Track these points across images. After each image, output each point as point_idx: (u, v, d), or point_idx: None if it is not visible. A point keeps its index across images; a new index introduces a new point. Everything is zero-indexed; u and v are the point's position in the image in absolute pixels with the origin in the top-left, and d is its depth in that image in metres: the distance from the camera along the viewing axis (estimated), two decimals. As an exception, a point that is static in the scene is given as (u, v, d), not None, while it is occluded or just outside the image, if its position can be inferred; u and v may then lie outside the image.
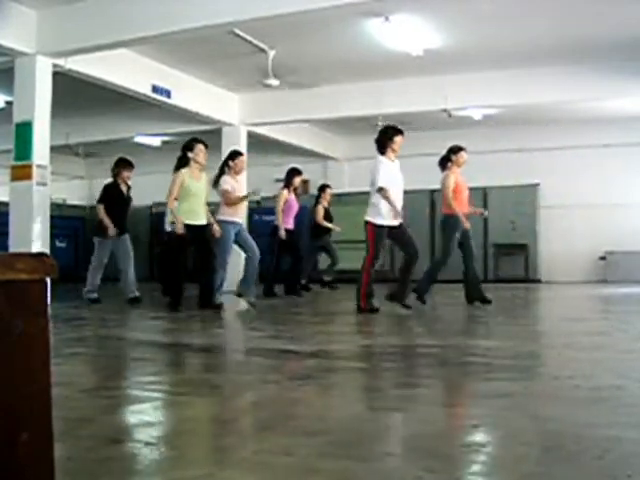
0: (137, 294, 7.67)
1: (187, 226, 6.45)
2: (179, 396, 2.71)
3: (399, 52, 8.35)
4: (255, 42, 8.13)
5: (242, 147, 10.67)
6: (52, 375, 1.14)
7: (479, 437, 2.02)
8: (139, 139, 12.50)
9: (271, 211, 9.47)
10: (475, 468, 1.74)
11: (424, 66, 9.03)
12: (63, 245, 14.01)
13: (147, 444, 1.99)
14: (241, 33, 7.73)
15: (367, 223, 6.17)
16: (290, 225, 8.73)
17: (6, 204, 7.58)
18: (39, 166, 7.14)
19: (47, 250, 7.03)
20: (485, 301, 6.85)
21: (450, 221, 6.84)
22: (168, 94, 9.20)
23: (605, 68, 8.71)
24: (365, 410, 2.46)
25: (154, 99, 9.12)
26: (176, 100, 9.40)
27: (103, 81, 8.22)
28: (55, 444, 1.14)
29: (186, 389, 2.89)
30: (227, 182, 7.08)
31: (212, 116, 10.35)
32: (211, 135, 10.86)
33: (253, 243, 7.05)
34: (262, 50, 8.39)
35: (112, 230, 7.50)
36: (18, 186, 7.19)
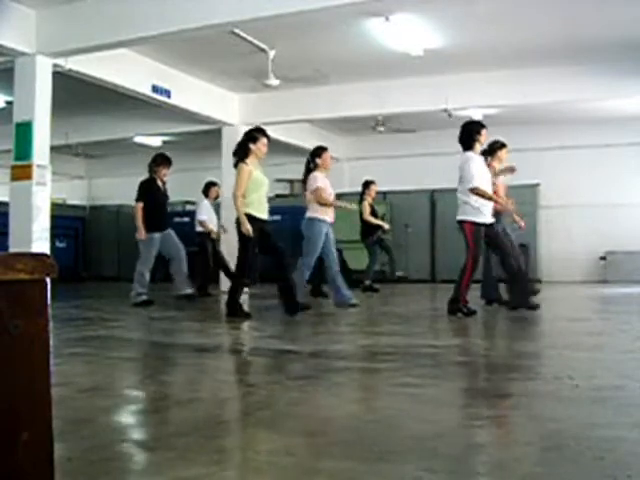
0: (190, 290, 7.56)
1: (258, 219, 5.87)
2: (178, 396, 2.71)
3: (399, 52, 8.35)
4: (255, 42, 8.12)
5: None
6: (52, 375, 1.14)
7: (479, 437, 2.02)
8: (139, 139, 12.50)
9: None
10: (475, 468, 1.74)
11: (424, 66, 9.03)
12: (63, 245, 14.00)
13: (147, 444, 1.99)
14: (241, 33, 7.73)
15: (464, 222, 5.91)
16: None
17: (6, 204, 7.57)
18: (39, 166, 7.13)
19: (47, 250, 7.02)
20: (488, 302, 6.87)
21: (496, 218, 6.81)
22: (168, 94, 9.19)
23: (605, 68, 8.70)
24: (366, 410, 2.46)
25: (154, 99, 9.11)
26: (176, 100, 9.39)
27: (103, 81, 8.21)
28: (55, 444, 1.14)
29: (185, 389, 2.89)
30: (318, 179, 6.83)
31: (212, 116, 10.34)
32: (211, 135, 10.90)
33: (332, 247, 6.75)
34: (262, 50, 8.38)
35: (142, 234, 7.31)
36: (18, 186, 7.18)
